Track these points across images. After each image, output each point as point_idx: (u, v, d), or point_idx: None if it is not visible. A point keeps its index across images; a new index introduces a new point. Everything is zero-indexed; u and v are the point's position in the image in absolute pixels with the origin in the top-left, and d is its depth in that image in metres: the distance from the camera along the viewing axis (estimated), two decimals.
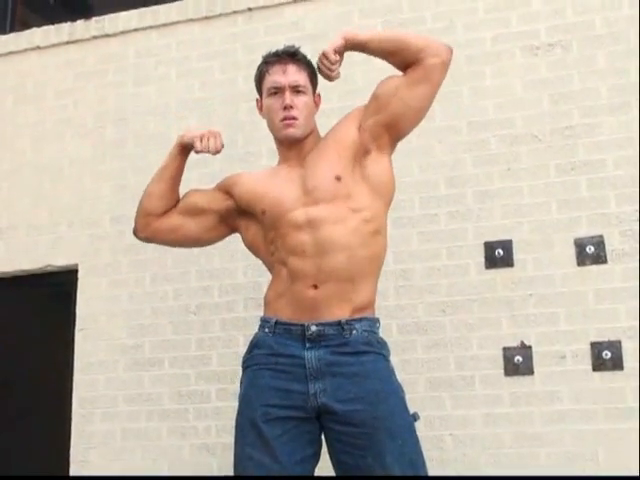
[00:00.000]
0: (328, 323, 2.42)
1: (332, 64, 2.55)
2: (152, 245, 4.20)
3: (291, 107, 2.57)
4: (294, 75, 2.61)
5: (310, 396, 2.39)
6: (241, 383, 2.55)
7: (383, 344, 2.53)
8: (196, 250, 4.13)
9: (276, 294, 2.52)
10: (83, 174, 4.49)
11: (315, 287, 2.43)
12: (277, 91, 2.60)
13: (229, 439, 3.62)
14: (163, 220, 2.77)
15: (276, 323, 2.47)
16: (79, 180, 4.48)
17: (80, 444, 4.13)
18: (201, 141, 2.67)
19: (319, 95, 2.77)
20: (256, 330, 2.60)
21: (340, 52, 2.58)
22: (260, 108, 2.73)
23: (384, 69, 4.06)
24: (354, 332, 2.43)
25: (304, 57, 2.68)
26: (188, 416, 4.00)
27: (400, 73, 2.65)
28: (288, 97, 2.58)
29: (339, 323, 2.42)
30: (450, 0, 4.08)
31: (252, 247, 2.71)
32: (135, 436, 4.07)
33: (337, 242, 2.45)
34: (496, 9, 4.01)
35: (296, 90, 2.60)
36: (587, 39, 3.85)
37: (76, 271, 4.37)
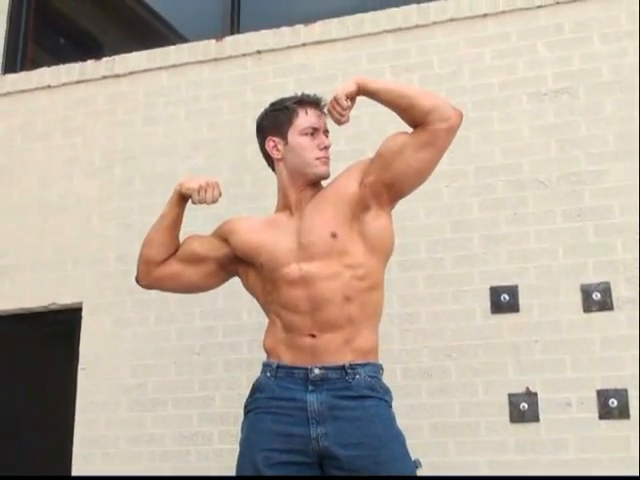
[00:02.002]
0: (332, 367, 2.40)
1: (343, 110, 2.54)
2: None
3: (329, 148, 2.66)
4: (324, 121, 2.69)
5: (312, 440, 2.36)
6: (242, 427, 2.53)
7: (386, 390, 2.50)
8: None
9: (275, 342, 2.52)
10: (90, 213, 4.50)
11: (313, 336, 2.44)
12: (314, 132, 2.64)
13: None
14: (164, 267, 2.77)
15: (278, 367, 2.46)
16: (85, 218, 4.49)
17: None
18: (199, 193, 2.66)
19: None
20: (259, 373, 2.59)
21: (351, 97, 2.57)
22: (274, 148, 2.71)
23: (390, 114, 4.09)
24: (357, 377, 2.41)
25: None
26: (190, 458, 3.97)
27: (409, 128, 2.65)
28: (327, 139, 2.66)
29: (343, 367, 2.41)
30: (457, 46, 4.12)
31: (251, 292, 2.71)
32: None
33: (330, 298, 2.45)
34: (503, 56, 4.04)
35: (326, 135, 2.69)
36: (594, 86, 3.87)
37: (80, 309, 4.36)
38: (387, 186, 2.57)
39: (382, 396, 2.46)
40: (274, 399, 2.43)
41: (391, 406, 2.50)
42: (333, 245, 2.49)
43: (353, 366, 2.41)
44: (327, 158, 2.64)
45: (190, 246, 2.80)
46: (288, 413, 2.40)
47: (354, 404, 2.39)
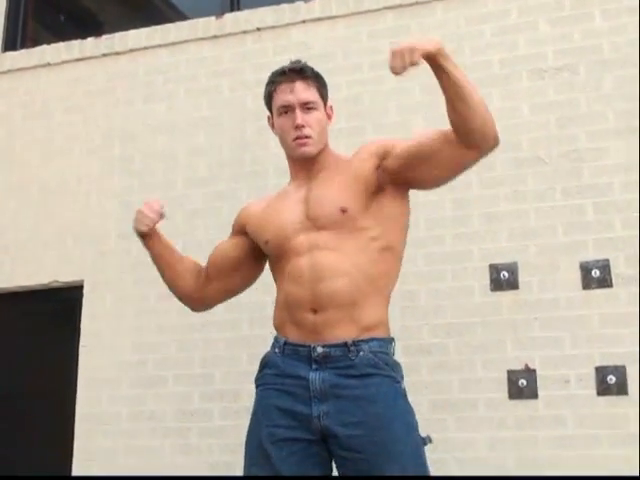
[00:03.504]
0: (334, 345, 2.37)
1: (411, 64, 2.25)
2: None
3: (303, 126, 2.51)
4: (303, 92, 2.54)
5: (313, 418, 2.35)
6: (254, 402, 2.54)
7: (393, 366, 2.44)
8: None
9: (281, 318, 2.51)
10: (90, 190, 4.50)
11: (314, 311, 2.40)
12: (287, 110, 2.53)
13: (231, 457, 3.63)
14: (207, 291, 2.73)
15: (285, 343, 2.46)
16: (86, 196, 4.50)
17: (82, 460, 4.13)
18: (141, 223, 2.64)
19: (331, 107, 2.67)
20: (260, 349, 2.60)
21: (424, 58, 2.30)
22: (272, 125, 2.66)
23: (392, 91, 4.08)
24: (361, 353, 2.37)
25: (311, 71, 2.59)
26: (191, 434, 3.99)
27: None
28: (299, 116, 2.51)
29: (345, 344, 2.37)
30: (457, 22, 4.10)
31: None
32: (137, 453, 4.06)
33: (335, 268, 2.40)
34: (503, 32, 4.02)
35: (306, 107, 2.53)
36: (594, 63, 3.86)
37: (81, 287, 4.38)
38: (405, 182, 2.51)
39: (387, 373, 2.40)
40: (280, 376, 2.43)
41: (399, 381, 2.43)
42: (342, 220, 2.44)
43: (357, 342, 2.37)
44: (305, 137, 2.51)
45: (220, 261, 2.73)
46: (292, 390, 2.39)
47: (356, 382, 2.36)
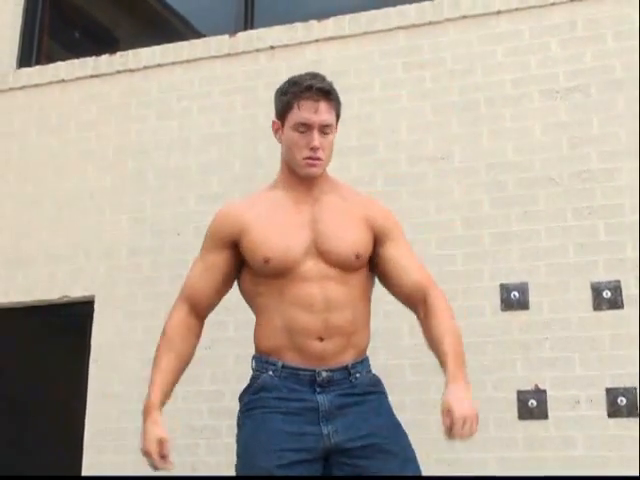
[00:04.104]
0: (336, 369, 2.43)
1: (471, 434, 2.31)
2: (168, 278, 4.24)
3: (318, 149, 2.48)
4: (325, 114, 2.49)
5: (323, 437, 2.38)
6: (241, 424, 2.50)
7: (381, 382, 2.55)
8: None
9: (275, 343, 2.46)
10: (103, 206, 4.52)
11: (320, 339, 2.42)
12: (306, 129, 2.49)
13: None
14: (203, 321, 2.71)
15: (283, 367, 2.45)
16: (98, 212, 4.52)
17: (91, 475, 4.12)
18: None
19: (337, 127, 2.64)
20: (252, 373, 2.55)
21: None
22: (276, 131, 2.60)
23: (404, 110, 4.11)
24: (358, 375, 2.46)
25: (336, 95, 2.56)
26: (199, 451, 3.99)
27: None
28: (317, 138, 2.48)
29: (346, 368, 2.45)
30: (470, 43, 4.12)
31: (239, 285, 2.64)
32: (146, 469, 4.04)
33: (344, 300, 2.45)
34: (515, 53, 4.04)
35: (324, 130, 2.50)
36: (606, 83, 3.87)
37: (92, 302, 4.39)
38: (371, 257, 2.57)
39: (382, 390, 2.52)
40: (283, 400, 2.42)
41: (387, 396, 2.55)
42: (354, 263, 2.49)
43: (354, 365, 2.46)
44: (317, 159, 2.49)
45: (214, 296, 2.64)
46: (299, 413, 2.40)
47: (359, 399, 2.44)
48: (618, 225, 3.69)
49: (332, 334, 2.42)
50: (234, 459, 3.85)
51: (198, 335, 2.67)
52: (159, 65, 4.65)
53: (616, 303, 3.61)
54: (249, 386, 2.53)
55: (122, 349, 4.26)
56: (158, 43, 4.72)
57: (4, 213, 4.71)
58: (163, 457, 2.42)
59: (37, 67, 4.96)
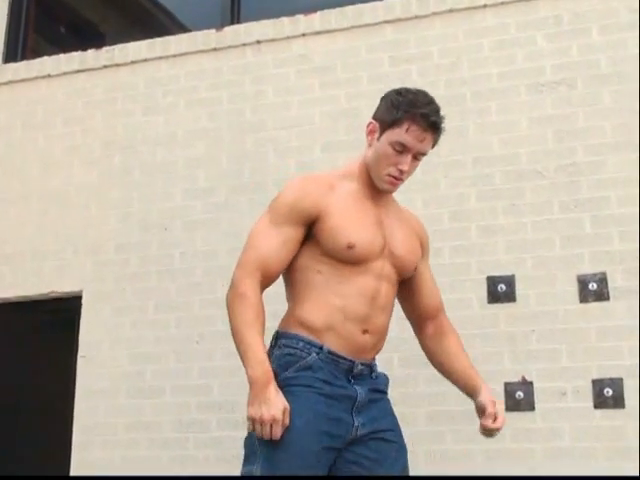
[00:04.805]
0: (366, 364, 2.51)
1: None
2: (156, 273, 4.25)
3: (404, 172, 2.52)
4: (427, 146, 2.52)
5: (354, 428, 2.42)
6: (287, 395, 2.36)
7: None
8: (200, 279, 4.15)
9: (326, 324, 2.45)
10: (89, 201, 4.52)
11: (365, 332, 2.48)
12: (403, 150, 2.49)
13: (228, 469, 3.62)
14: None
15: (329, 352, 2.44)
16: (85, 207, 4.51)
17: (80, 471, 4.12)
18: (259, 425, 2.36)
19: None
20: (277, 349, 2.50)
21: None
22: (371, 132, 2.57)
23: None
24: (378, 372, 2.56)
25: (443, 129, 2.56)
26: (188, 445, 3.99)
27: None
28: (408, 163, 2.51)
29: (370, 365, 2.53)
30: (456, 36, 4.13)
31: (293, 254, 2.52)
32: (135, 464, 4.06)
33: (391, 303, 2.58)
34: (502, 47, 4.05)
35: (417, 157, 2.54)
36: (592, 77, 3.89)
37: (80, 297, 4.38)
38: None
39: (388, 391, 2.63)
40: (327, 383, 2.41)
41: None
42: (411, 273, 2.64)
43: (374, 363, 2.56)
44: (399, 179, 2.54)
45: (284, 267, 2.53)
46: (338, 399, 2.42)
47: (379, 396, 2.53)
48: (604, 218, 3.71)
49: (375, 331, 2.51)
50: (222, 453, 3.88)
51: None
52: (145, 60, 4.64)
53: (602, 295, 3.63)
54: (288, 362, 2.44)
55: (110, 344, 4.25)
56: (144, 38, 4.70)
57: None
58: (284, 427, 2.32)
59: (23, 62, 4.94)
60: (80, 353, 4.30)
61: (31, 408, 4.46)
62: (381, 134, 2.53)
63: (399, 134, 2.49)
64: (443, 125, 2.54)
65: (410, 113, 2.48)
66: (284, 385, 2.40)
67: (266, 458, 2.34)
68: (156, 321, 4.21)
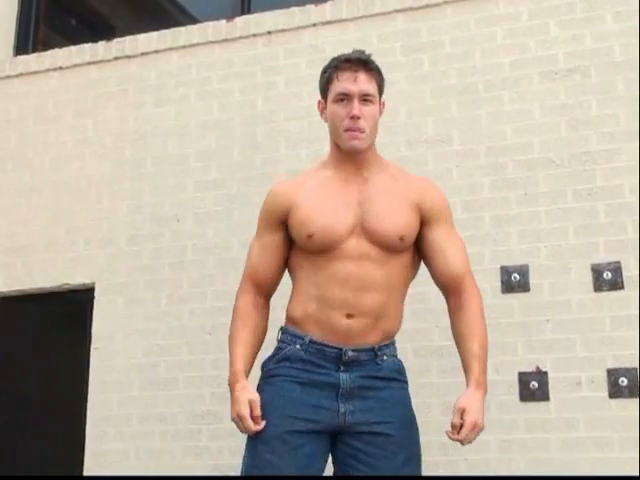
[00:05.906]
0: (363, 349, 2.47)
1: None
2: (168, 265, 4.25)
3: (358, 118, 2.49)
4: (365, 84, 2.51)
5: (339, 414, 2.42)
6: (260, 390, 2.49)
7: (405, 371, 2.60)
8: (212, 270, 4.15)
9: (304, 313, 2.50)
10: (101, 193, 4.52)
11: (349, 316, 2.46)
12: (345, 98, 2.50)
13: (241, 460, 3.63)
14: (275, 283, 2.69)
15: (310, 342, 2.47)
16: (97, 199, 4.51)
17: (93, 463, 4.14)
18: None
19: (384, 103, 2.66)
20: (271, 351, 2.59)
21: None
22: (322, 111, 2.63)
23: (403, 93, 4.09)
24: (385, 358, 2.50)
25: (375, 65, 2.59)
26: (202, 436, 4.00)
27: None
28: (356, 107, 2.49)
29: (372, 349, 2.48)
30: (468, 25, 4.10)
31: (280, 255, 2.63)
32: (149, 456, 4.07)
33: (380, 283, 2.48)
34: (514, 35, 4.02)
35: (365, 99, 2.52)
36: (606, 65, 3.86)
37: (92, 290, 4.39)
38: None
39: (405, 379, 2.57)
40: (305, 371, 2.45)
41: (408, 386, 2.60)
42: (397, 245, 2.51)
43: (380, 347, 2.49)
44: (358, 129, 2.50)
45: (276, 277, 2.65)
46: (318, 386, 2.44)
47: (381, 384, 2.48)
48: (618, 206, 3.69)
49: (361, 313, 2.45)
50: (236, 444, 3.87)
51: (267, 312, 2.66)
52: (156, 51, 4.64)
53: (616, 284, 3.61)
54: (273, 355, 2.55)
55: (123, 336, 4.26)
56: (155, 30, 4.70)
57: (2, 201, 4.71)
58: (255, 418, 2.40)
59: (34, 54, 4.94)
60: (93, 345, 4.30)
61: (44, 400, 4.47)
62: (326, 103, 2.59)
63: (335, 87, 2.54)
64: (372, 60, 2.57)
65: (334, 65, 2.57)
66: (265, 377, 2.53)
67: (247, 450, 2.47)
68: (169, 313, 4.21)
